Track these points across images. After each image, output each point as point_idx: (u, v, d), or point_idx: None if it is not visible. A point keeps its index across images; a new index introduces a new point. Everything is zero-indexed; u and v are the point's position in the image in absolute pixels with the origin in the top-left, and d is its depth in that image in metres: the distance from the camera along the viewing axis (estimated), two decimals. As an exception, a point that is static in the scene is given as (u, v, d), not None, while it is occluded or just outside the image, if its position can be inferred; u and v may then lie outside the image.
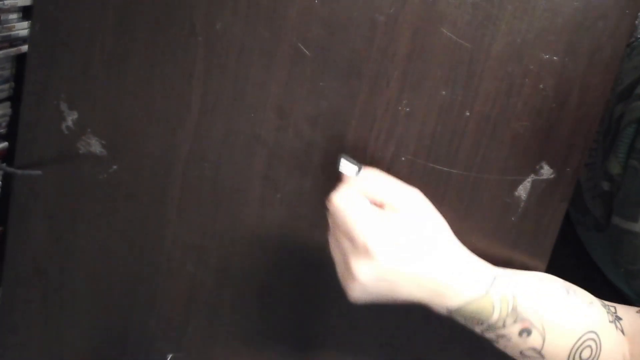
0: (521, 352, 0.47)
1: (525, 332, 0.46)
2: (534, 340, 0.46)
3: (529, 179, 0.51)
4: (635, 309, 0.48)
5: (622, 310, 0.49)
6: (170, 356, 0.62)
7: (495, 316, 0.46)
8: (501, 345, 0.48)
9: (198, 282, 0.60)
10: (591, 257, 0.68)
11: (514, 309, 0.46)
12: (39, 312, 0.63)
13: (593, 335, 0.46)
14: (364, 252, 0.44)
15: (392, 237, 0.44)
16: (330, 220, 0.47)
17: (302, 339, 0.60)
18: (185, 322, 0.61)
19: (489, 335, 0.47)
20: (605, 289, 0.67)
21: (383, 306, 0.57)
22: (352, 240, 0.44)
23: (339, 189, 0.46)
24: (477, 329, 0.48)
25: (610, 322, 0.47)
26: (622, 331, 0.47)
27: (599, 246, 0.66)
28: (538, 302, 0.46)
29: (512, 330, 0.46)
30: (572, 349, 0.46)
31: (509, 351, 0.48)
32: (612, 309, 0.48)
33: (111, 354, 0.64)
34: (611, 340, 0.46)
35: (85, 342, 0.64)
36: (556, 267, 0.53)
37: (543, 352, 0.46)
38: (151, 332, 0.62)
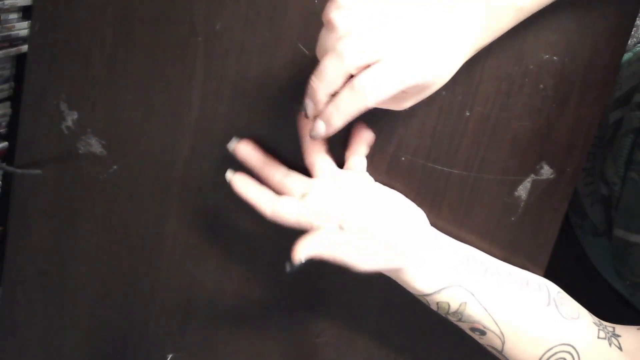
0: (485, 346, 0.49)
1: (478, 331, 0.48)
2: (491, 341, 0.48)
3: (529, 179, 0.51)
4: (635, 327, 0.48)
5: (622, 328, 0.49)
6: (170, 356, 0.62)
7: (441, 313, 0.48)
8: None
9: (198, 282, 0.60)
10: (591, 260, 0.68)
11: (457, 312, 0.47)
12: (39, 312, 0.63)
13: (569, 349, 0.47)
14: None
15: None
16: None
17: (302, 339, 0.60)
18: (185, 322, 0.61)
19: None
20: (604, 291, 0.67)
21: (383, 307, 0.57)
22: None
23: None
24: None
25: (600, 338, 0.47)
26: (620, 348, 0.47)
27: (598, 250, 0.66)
28: (496, 308, 0.47)
29: (463, 326, 0.49)
30: (540, 358, 0.47)
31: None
32: (610, 328, 0.48)
33: (111, 354, 0.64)
34: (597, 356, 0.47)
35: (85, 342, 0.64)
36: (556, 269, 0.53)
37: (504, 353, 0.48)
38: (151, 332, 0.62)
